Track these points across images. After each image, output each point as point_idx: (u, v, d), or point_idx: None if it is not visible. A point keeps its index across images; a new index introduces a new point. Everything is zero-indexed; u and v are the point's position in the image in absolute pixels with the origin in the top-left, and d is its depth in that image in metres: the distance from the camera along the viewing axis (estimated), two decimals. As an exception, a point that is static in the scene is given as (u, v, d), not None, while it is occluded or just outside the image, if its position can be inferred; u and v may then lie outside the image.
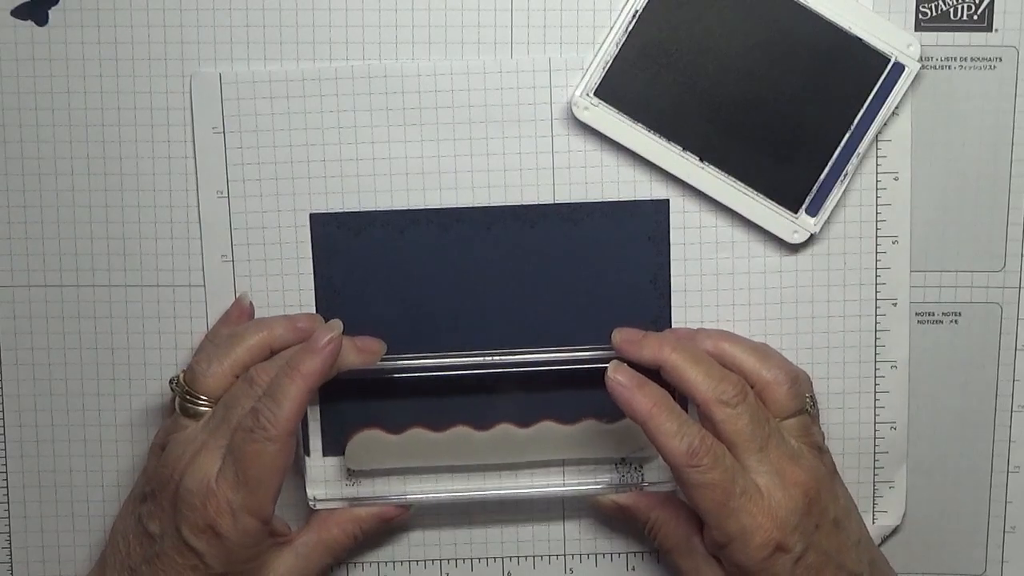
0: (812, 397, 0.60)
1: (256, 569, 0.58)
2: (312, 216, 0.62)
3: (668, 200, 0.62)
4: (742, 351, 0.59)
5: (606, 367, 0.57)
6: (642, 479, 0.63)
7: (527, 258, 0.62)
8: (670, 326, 0.62)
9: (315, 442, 0.62)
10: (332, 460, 0.62)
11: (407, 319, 0.62)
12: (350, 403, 0.62)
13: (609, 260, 0.62)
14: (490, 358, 0.61)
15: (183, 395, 0.58)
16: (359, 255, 0.62)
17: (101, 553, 0.60)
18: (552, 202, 0.62)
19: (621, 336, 0.59)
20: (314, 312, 0.62)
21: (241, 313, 0.61)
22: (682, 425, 0.55)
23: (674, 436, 0.55)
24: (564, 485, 0.63)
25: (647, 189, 0.62)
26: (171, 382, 0.59)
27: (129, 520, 0.58)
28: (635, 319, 0.61)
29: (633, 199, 0.62)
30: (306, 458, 0.62)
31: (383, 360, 0.60)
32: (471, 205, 0.62)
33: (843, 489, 0.60)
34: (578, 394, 0.62)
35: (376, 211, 0.62)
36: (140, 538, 0.57)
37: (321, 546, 0.61)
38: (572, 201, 0.62)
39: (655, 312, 0.62)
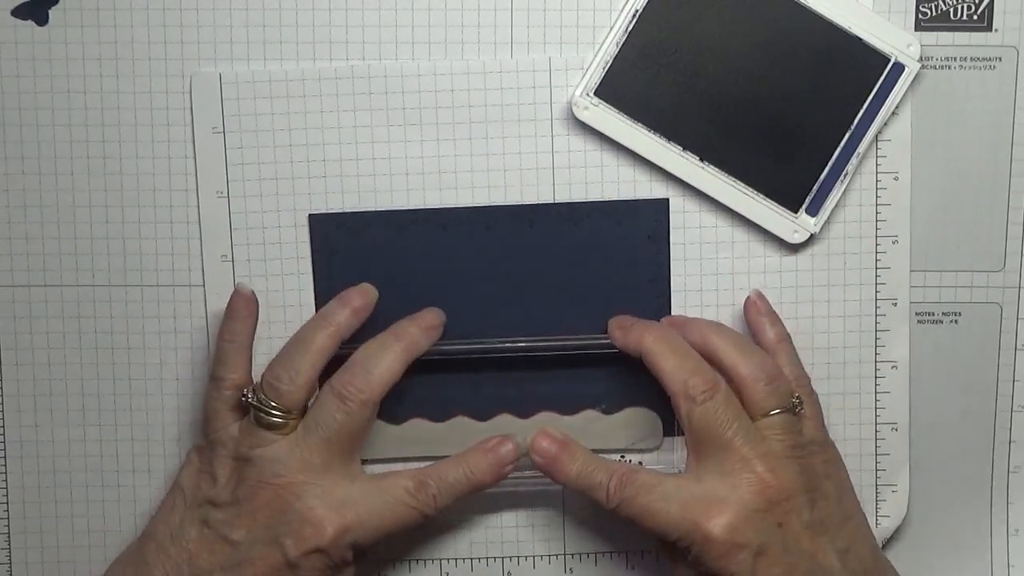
0: (801, 397, 0.59)
1: None
2: (312, 216, 0.62)
3: (668, 200, 0.62)
4: (726, 345, 0.58)
5: (604, 353, 0.59)
6: None
7: (527, 258, 0.62)
8: None
9: None
10: None
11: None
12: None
13: (609, 260, 0.62)
14: (489, 344, 0.61)
15: (266, 410, 0.57)
16: (359, 255, 0.62)
17: (132, 553, 0.60)
18: (552, 201, 0.62)
19: (615, 321, 0.60)
20: (355, 289, 0.61)
21: (247, 304, 0.60)
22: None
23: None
24: None
25: (647, 189, 0.62)
26: (244, 397, 0.58)
27: (190, 525, 0.58)
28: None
29: (633, 199, 0.62)
30: None
31: None
32: (471, 205, 0.62)
33: (844, 494, 0.59)
34: (578, 385, 0.62)
35: (376, 211, 0.62)
36: (213, 544, 0.57)
37: None
38: (572, 200, 0.62)
39: (655, 312, 0.62)
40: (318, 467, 0.57)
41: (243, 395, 0.58)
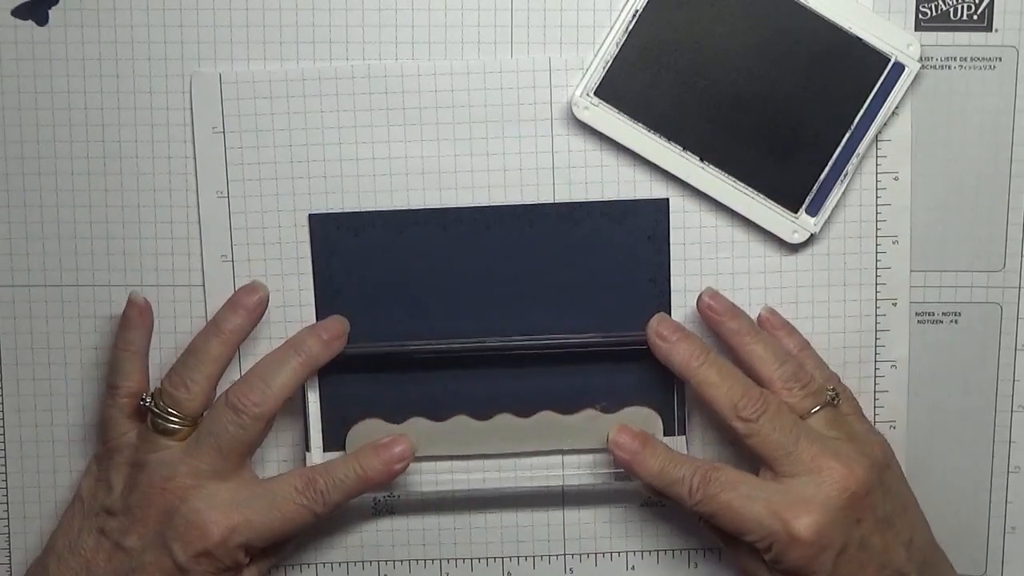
0: (836, 388, 0.60)
1: None
2: (312, 216, 0.62)
3: (668, 200, 0.62)
4: (762, 351, 0.59)
5: (604, 352, 0.60)
6: None
7: (526, 258, 0.62)
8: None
9: (316, 438, 0.62)
10: (333, 455, 0.62)
11: (406, 319, 0.62)
12: (350, 398, 0.62)
13: (609, 260, 0.62)
14: (489, 343, 0.61)
15: (162, 415, 0.58)
16: (359, 255, 0.62)
17: (35, 566, 0.60)
18: (552, 201, 0.62)
19: (656, 328, 0.60)
20: (244, 288, 0.61)
21: (141, 314, 0.61)
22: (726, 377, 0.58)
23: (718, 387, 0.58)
24: (564, 476, 0.63)
25: (647, 189, 0.62)
26: (143, 402, 0.59)
27: (86, 535, 0.59)
28: (635, 318, 0.61)
29: (633, 199, 0.62)
30: (307, 453, 0.62)
31: (383, 344, 0.60)
32: (471, 205, 0.62)
33: (900, 484, 0.59)
34: (578, 384, 0.62)
35: (376, 211, 0.62)
36: (109, 552, 0.58)
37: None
38: (572, 200, 0.62)
39: (655, 311, 0.62)
40: (206, 473, 0.58)
41: (141, 400, 0.59)
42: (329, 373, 0.61)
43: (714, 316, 0.60)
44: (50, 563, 0.59)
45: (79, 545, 0.59)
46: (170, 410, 0.58)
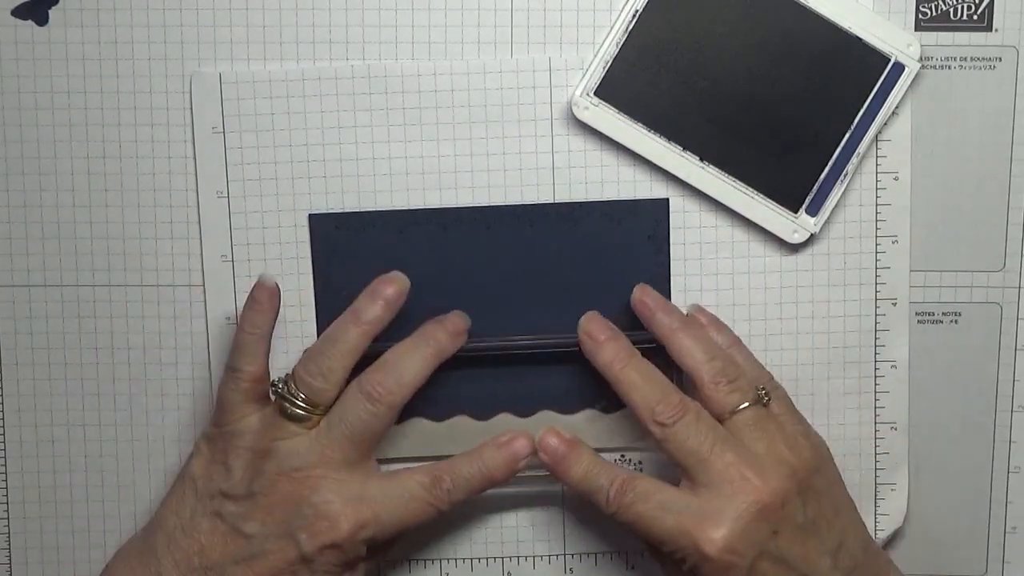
0: (767, 387, 0.58)
1: None
2: (312, 216, 0.62)
3: (668, 199, 0.62)
4: (691, 345, 0.58)
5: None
6: (641, 471, 0.63)
7: (526, 257, 0.62)
8: None
9: None
10: None
11: (406, 318, 0.62)
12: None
13: (609, 259, 0.62)
14: (489, 343, 0.61)
15: (293, 402, 0.57)
16: (359, 255, 0.62)
17: (139, 543, 0.59)
18: (552, 201, 0.62)
19: (586, 327, 0.60)
20: (385, 278, 0.60)
21: (270, 297, 0.59)
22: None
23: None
24: None
25: (647, 189, 0.62)
26: (275, 387, 0.58)
27: (200, 517, 0.58)
28: (635, 318, 0.61)
29: (633, 198, 0.62)
30: None
31: (382, 344, 0.60)
32: (471, 205, 0.62)
33: (831, 487, 0.58)
34: (578, 384, 0.62)
35: (376, 211, 0.62)
36: (226, 537, 0.57)
37: None
38: (572, 200, 0.62)
39: None
40: (337, 463, 0.57)
41: (273, 385, 0.58)
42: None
43: (645, 311, 0.60)
44: (158, 542, 0.58)
45: (193, 527, 0.58)
46: (302, 396, 0.57)
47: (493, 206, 0.62)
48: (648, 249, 0.62)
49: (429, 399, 0.62)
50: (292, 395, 0.57)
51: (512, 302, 0.62)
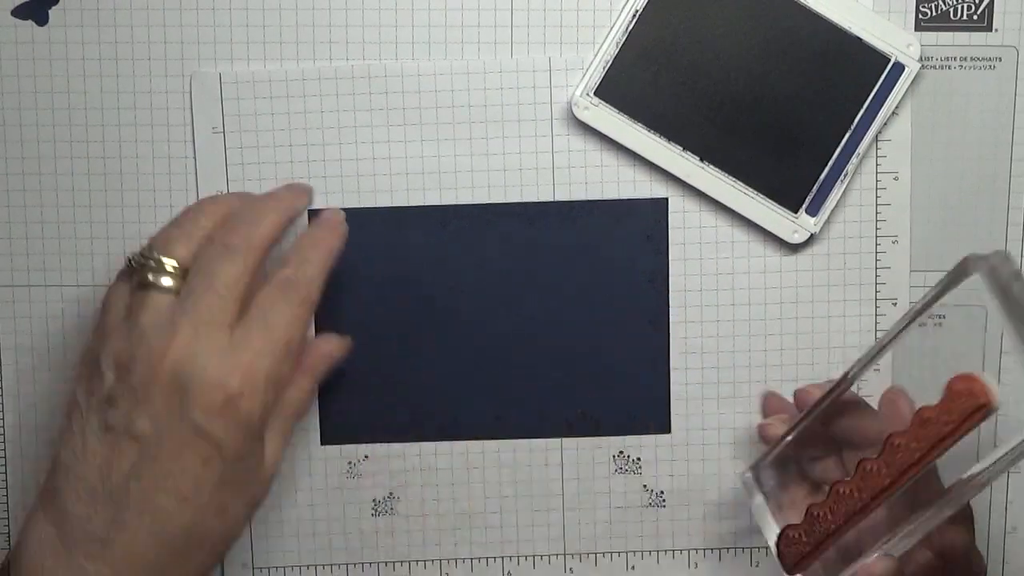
0: None
1: (259, 449, 0.53)
2: (312, 214, 0.62)
3: (667, 199, 0.62)
4: None
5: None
6: (640, 470, 0.63)
7: (525, 255, 0.62)
8: (668, 326, 0.62)
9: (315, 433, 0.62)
10: (334, 448, 0.62)
11: (406, 316, 0.62)
12: (355, 397, 0.62)
13: (607, 259, 0.62)
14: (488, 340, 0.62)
15: (153, 267, 0.51)
16: (358, 252, 0.62)
17: (43, 492, 0.52)
18: (552, 199, 0.62)
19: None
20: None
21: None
22: None
23: None
24: (563, 474, 0.63)
25: (647, 189, 0.62)
26: (130, 261, 0.52)
27: (90, 436, 0.50)
28: (634, 318, 0.61)
29: (632, 197, 0.62)
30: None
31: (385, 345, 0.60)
32: (470, 203, 0.62)
33: None
34: (576, 384, 0.62)
35: (374, 208, 0.62)
36: (119, 447, 0.50)
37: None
38: (572, 199, 0.62)
39: (653, 312, 0.62)
40: (207, 323, 0.50)
41: (128, 259, 0.52)
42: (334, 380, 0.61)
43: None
44: (60, 483, 0.51)
45: (86, 451, 0.50)
46: (162, 258, 0.52)
47: (492, 204, 0.62)
48: (647, 249, 0.62)
49: (431, 401, 0.62)
50: (149, 260, 0.52)
51: (510, 300, 0.62)
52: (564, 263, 0.62)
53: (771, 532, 0.55)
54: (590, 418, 0.63)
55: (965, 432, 0.46)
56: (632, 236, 0.62)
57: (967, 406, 0.46)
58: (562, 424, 0.63)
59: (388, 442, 0.63)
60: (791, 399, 0.60)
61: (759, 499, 0.56)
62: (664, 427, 0.63)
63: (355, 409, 0.62)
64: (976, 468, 0.47)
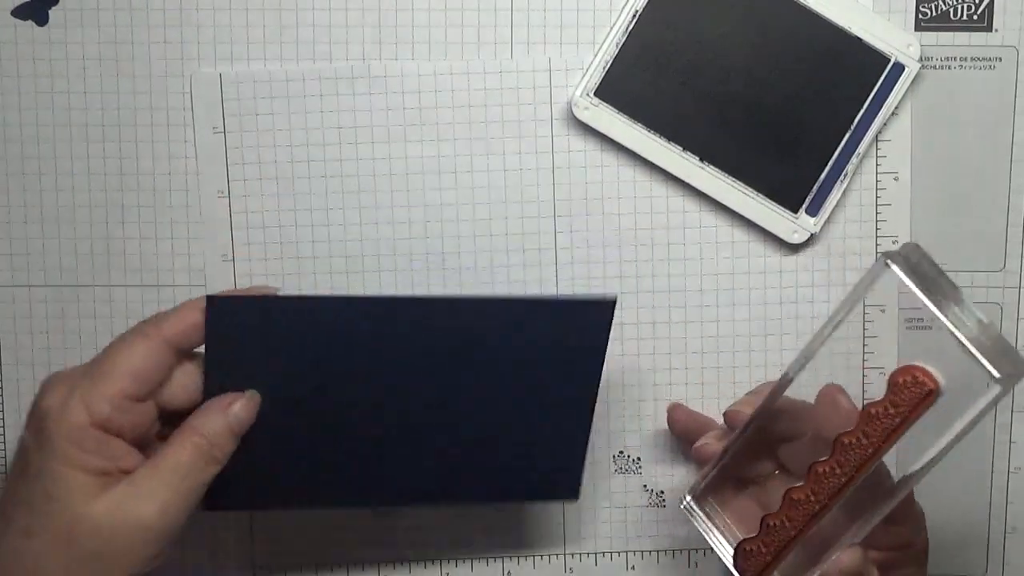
0: None
1: None
2: (210, 300, 0.51)
3: (615, 299, 0.53)
4: None
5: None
6: (640, 470, 0.63)
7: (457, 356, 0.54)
8: (587, 438, 0.56)
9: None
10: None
11: (312, 405, 0.54)
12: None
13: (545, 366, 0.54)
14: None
15: None
16: (265, 344, 0.52)
17: None
18: (492, 295, 0.58)
19: None
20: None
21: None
22: None
23: None
24: None
25: (647, 188, 0.62)
26: None
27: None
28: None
29: (579, 299, 0.56)
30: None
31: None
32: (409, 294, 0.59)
33: None
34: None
35: (286, 296, 0.56)
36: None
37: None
38: (512, 296, 0.58)
39: (570, 428, 0.56)
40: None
41: None
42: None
43: None
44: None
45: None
46: None
47: (430, 298, 0.57)
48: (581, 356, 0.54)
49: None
50: None
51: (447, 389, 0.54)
52: (506, 366, 0.54)
53: (725, 552, 0.55)
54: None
55: (914, 420, 0.48)
56: (570, 345, 0.54)
57: (915, 394, 0.47)
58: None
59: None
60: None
61: (704, 523, 0.56)
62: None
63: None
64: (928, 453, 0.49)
